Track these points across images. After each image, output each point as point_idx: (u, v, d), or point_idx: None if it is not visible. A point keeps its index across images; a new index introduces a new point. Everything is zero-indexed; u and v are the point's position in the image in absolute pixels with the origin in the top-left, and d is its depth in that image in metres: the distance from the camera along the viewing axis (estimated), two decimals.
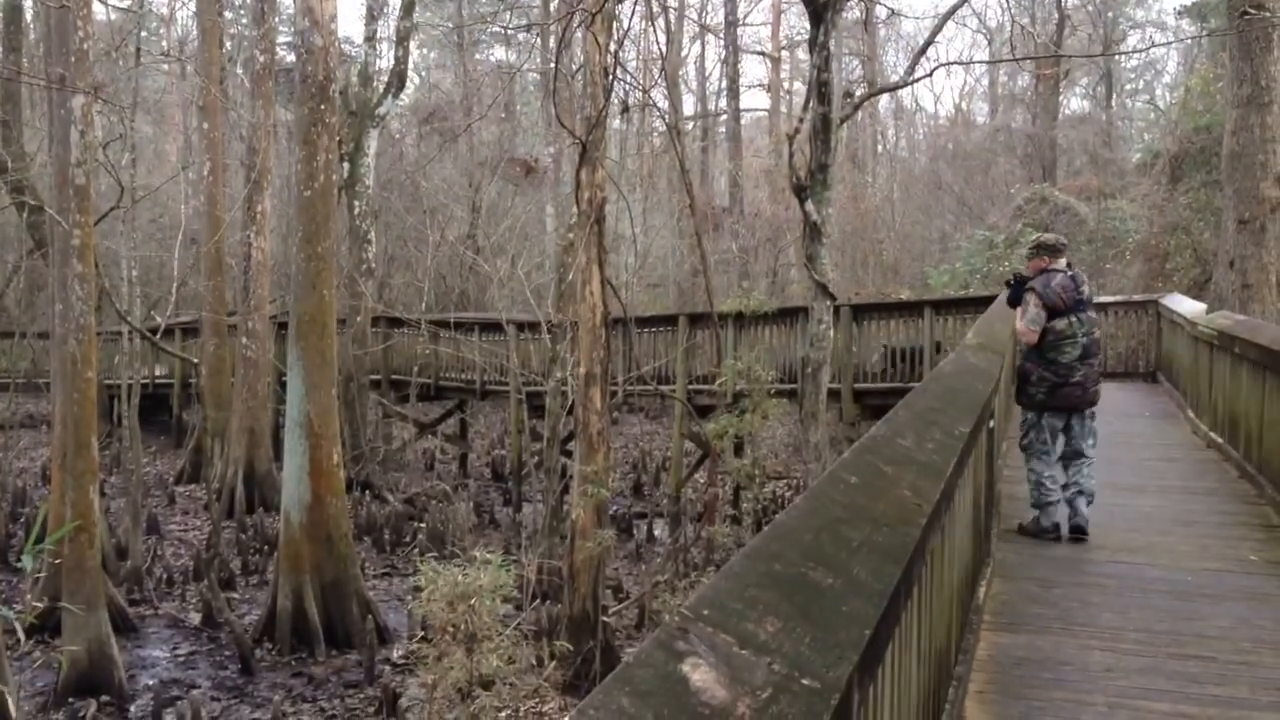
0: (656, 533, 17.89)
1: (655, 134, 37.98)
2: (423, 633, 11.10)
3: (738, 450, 16.76)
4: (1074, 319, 7.13)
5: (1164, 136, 25.80)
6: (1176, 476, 9.21)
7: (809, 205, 9.82)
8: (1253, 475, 8.44)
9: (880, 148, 50.21)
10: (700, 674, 1.47)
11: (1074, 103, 46.16)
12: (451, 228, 26.43)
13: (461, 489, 20.99)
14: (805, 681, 1.56)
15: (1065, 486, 7.22)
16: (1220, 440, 9.87)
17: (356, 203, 20.29)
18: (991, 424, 5.98)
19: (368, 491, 19.96)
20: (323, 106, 13.24)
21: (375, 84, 21.88)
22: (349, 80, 22.40)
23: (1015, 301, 7.40)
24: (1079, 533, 7.07)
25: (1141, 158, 31.06)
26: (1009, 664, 4.88)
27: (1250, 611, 5.62)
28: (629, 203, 18.05)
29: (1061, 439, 7.29)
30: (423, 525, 17.91)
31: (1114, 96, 44.93)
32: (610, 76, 11.25)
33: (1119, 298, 17.55)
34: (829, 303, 10.25)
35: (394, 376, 22.11)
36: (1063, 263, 7.29)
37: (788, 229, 28.59)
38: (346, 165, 20.33)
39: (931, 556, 3.14)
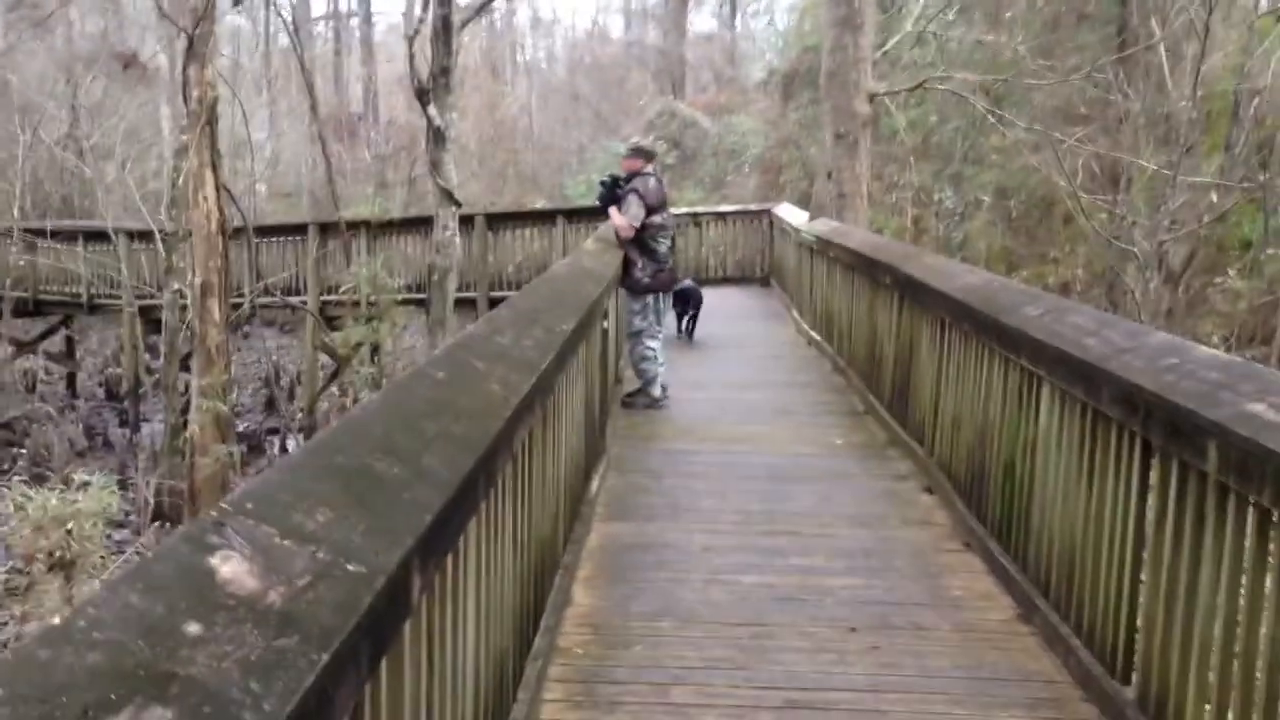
0: (290, 447, 17.35)
1: (281, 33, 35.93)
2: (11, 562, 10.23)
3: (373, 361, 16.48)
4: (666, 215, 8.16)
5: (780, 56, 27.35)
6: (781, 372, 9.95)
7: (431, 110, 9.64)
8: (843, 369, 9.25)
9: (520, 58, 50.15)
10: (231, 566, 1.41)
11: (702, 21, 47.96)
12: (49, 128, 23.90)
13: (69, 411, 19.39)
14: (350, 567, 1.54)
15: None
16: (819, 338, 10.73)
17: None
18: (605, 324, 6.18)
19: None
20: None
21: None
22: None
23: (610, 200, 7.96)
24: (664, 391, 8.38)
25: (762, 76, 32.80)
26: (617, 550, 5.12)
27: (832, 489, 6.18)
28: (243, 104, 16.94)
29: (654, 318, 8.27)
30: (23, 450, 16.43)
31: (738, 17, 46.97)
32: None
33: (737, 207, 18.55)
34: (454, 209, 10.16)
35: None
36: (652, 168, 8.18)
37: (424, 137, 28.04)
38: None
39: (526, 448, 3.20)
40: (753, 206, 18.14)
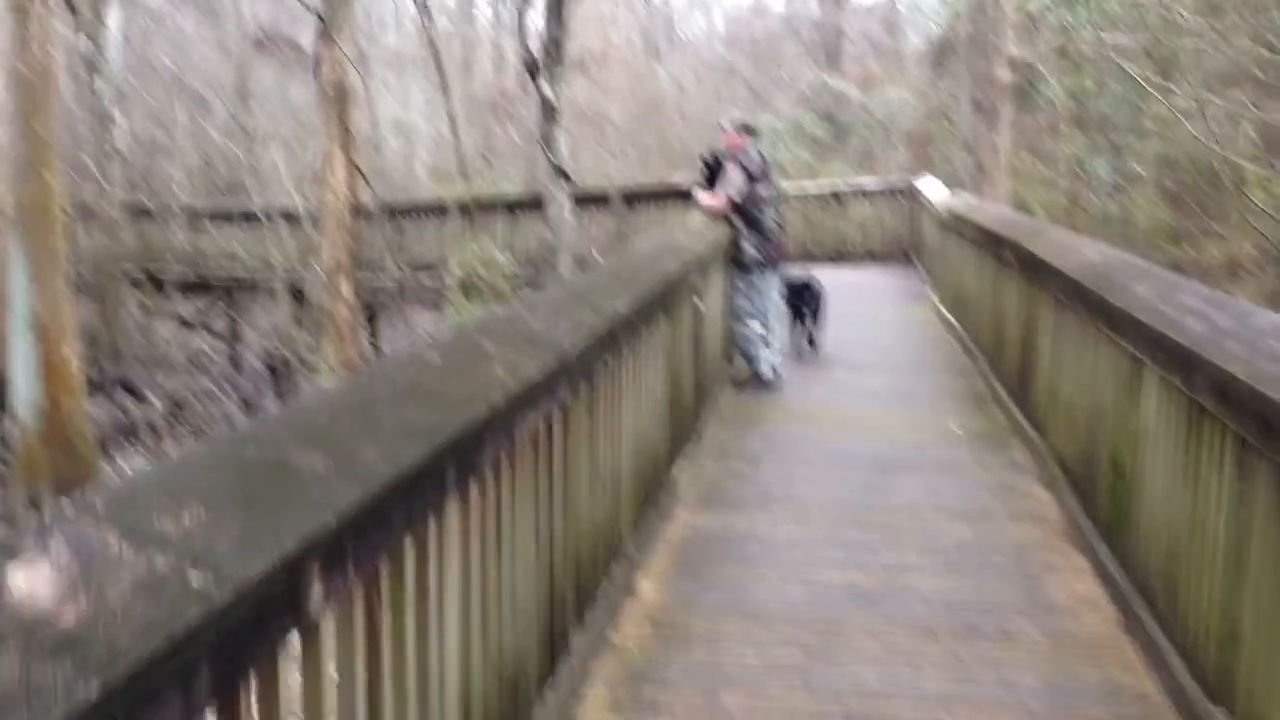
0: None
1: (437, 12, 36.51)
2: None
3: None
4: (769, 185, 7.92)
5: (937, 23, 26.41)
6: (909, 354, 9.53)
7: (542, 83, 9.53)
8: (972, 351, 8.78)
9: (677, 35, 49.83)
10: (29, 575, 1.27)
11: None
12: (216, 113, 24.87)
13: (229, 385, 20.17)
14: (194, 576, 1.38)
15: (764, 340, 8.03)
16: (952, 319, 10.25)
17: (99, 79, 18.79)
18: (699, 301, 5.96)
19: (131, 392, 18.92)
20: None
21: None
22: None
23: (712, 178, 7.72)
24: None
25: (918, 46, 31.81)
26: (698, 541, 4.90)
27: (940, 480, 5.83)
28: (387, 85, 17.13)
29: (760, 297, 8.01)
30: (188, 425, 17.14)
31: None
32: None
33: (880, 182, 17.98)
34: (567, 186, 10.05)
35: (155, 270, 20.80)
36: (752, 144, 7.95)
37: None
38: (83, 38, 18.79)
39: (547, 435, 3.03)
40: (896, 181, 17.54)
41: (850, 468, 6.08)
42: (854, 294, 12.93)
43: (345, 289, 10.84)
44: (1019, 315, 6.77)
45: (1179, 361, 3.40)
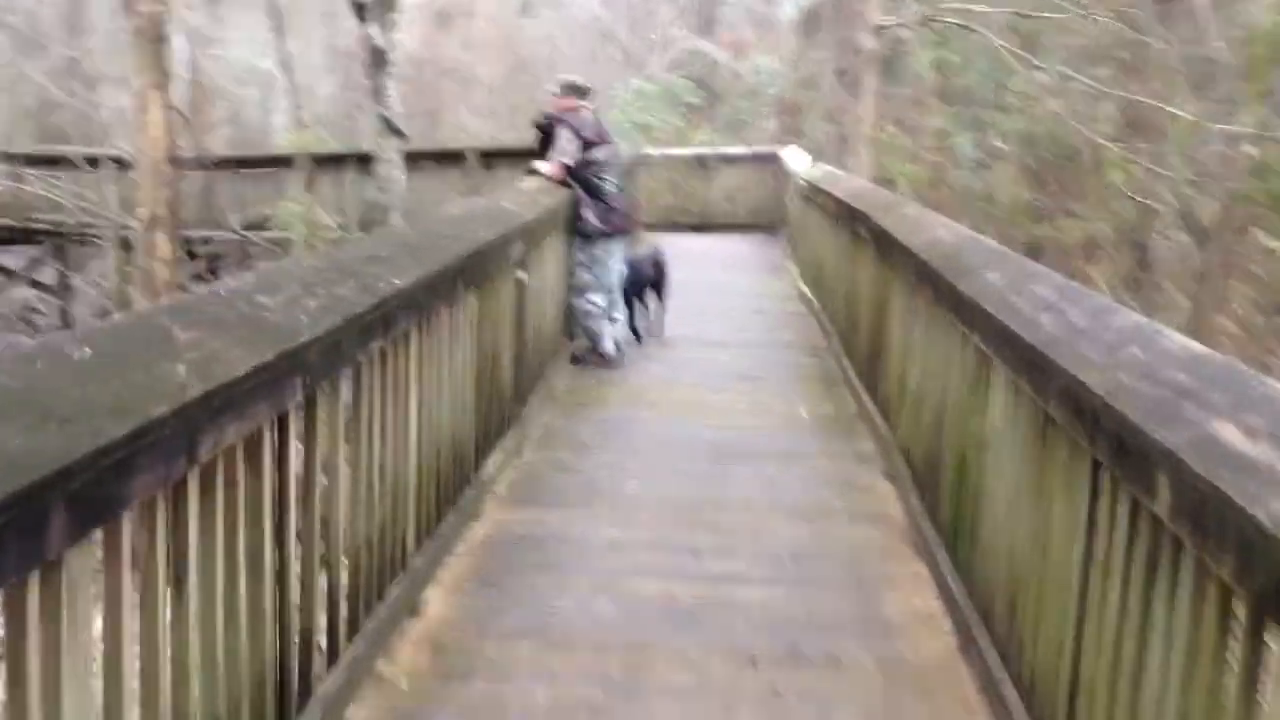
0: None
1: None
2: None
3: None
4: (609, 149, 7.42)
5: None
6: (762, 329, 9.14)
7: (371, 28, 8.79)
8: (827, 329, 8.43)
9: None
10: None
11: None
12: (51, 50, 23.16)
13: None
14: None
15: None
16: (809, 293, 9.90)
17: None
18: (521, 274, 5.40)
19: None
20: None
21: None
22: None
23: (547, 143, 7.14)
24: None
25: (791, 14, 31.54)
26: (504, 545, 4.37)
27: (781, 471, 5.40)
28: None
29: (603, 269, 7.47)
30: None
31: None
32: None
33: (745, 150, 17.61)
34: (399, 141, 9.35)
35: None
36: (586, 103, 7.44)
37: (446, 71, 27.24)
38: None
39: (276, 441, 2.45)
40: (763, 150, 17.18)
41: (687, 457, 5.61)
42: (713, 264, 12.56)
43: (163, 244, 9.95)
44: (871, 295, 6.39)
45: (1028, 363, 2.98)
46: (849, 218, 7.25)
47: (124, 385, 1.89)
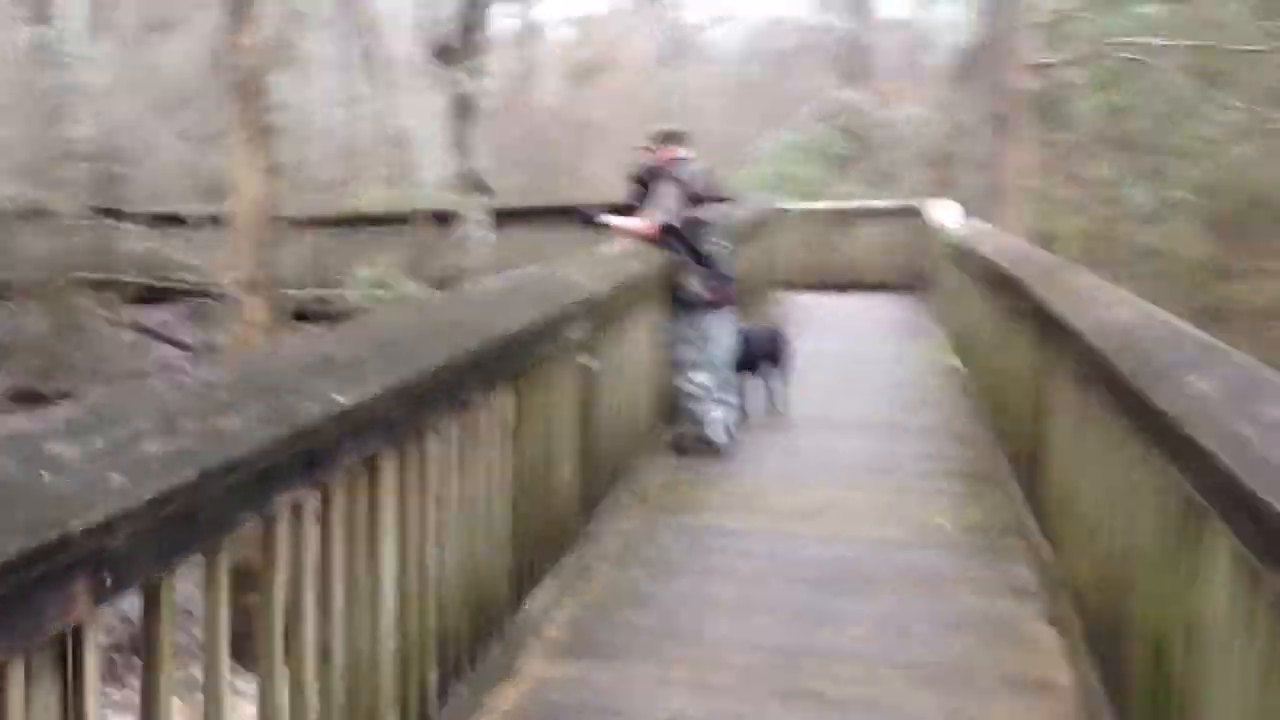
0: None
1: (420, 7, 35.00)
2: None
3: None
4: (718, 208, 6.40)
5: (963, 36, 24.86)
6: (899, 408, 7.96)
7: (456, 72, 8.03)
8: (976, 408, 7.24)
9: (691, 46, 48.28)
10: None
11: (894, 5, 45.07)
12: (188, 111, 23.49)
13: None
14: None
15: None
16: (958, 364, 8.70)
17: (54, 73, 17.56)
18: (589, 361, 4.45)
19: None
20: None
21: None
22: None
23: (642, 197, 6.21)
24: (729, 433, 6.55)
25: (945, 59, 30.23)
26: (536, 715, 3.38)
27: (907, 607, 4.28)
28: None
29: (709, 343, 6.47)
30: None
31: None
32: None
33: (890, 203, 16.44)
34: (485, 198, 8.52)
35: (116, 277, 19.37)
36: (690, 153, 6.41)
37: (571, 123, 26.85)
38: (39, 28, 17.67)
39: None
40: (908, 203, 15.98)
41: (790, 582, 4.54)
42: (849, 328, 11.46)
43: (258, 308, 9.42)
44: (1030, 379, 5.22)
45: (1269, 534, 1.87)
46: (999, 283, 6.10)
47: None
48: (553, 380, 3.97)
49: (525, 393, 3.65)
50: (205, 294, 18.93)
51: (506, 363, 3.37)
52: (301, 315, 12.00)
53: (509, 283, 3.98)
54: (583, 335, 4.21)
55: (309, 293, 11.85)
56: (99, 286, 19.24)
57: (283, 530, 2.18)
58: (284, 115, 25.29)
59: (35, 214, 17.87)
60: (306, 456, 2.16)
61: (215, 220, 16.35)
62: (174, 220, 18.30)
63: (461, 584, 3.18)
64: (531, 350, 3.60)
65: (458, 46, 8.08)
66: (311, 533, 2.29)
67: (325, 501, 2.39)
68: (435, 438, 2.92)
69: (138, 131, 18.39)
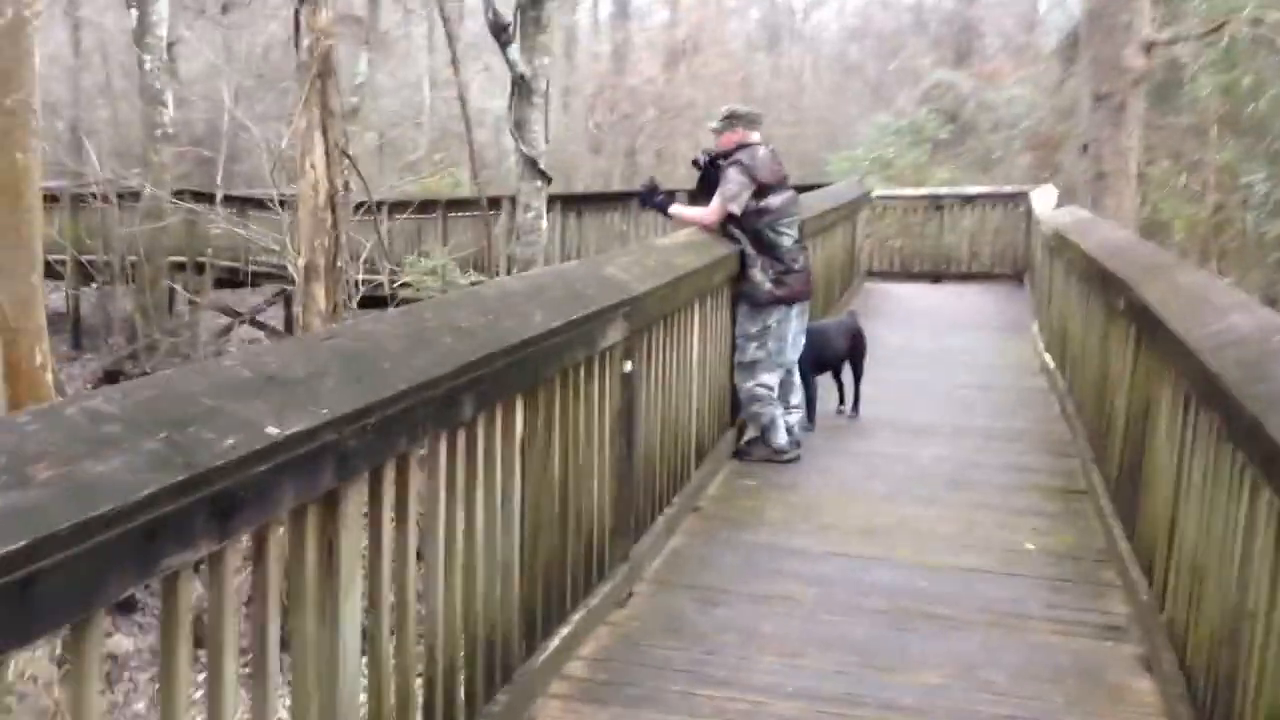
0: None
1: None
2: None
3: None
4: (787, 196, 5.90)
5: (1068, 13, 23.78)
6: (986, 411, 7.38)
7: (513, 53, 7.62)
8: (1071, 417, 6.65)
9: (796, 27, 47.38)
10: None
11: None
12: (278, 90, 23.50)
13: None
14: None
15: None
16: (1052, 364, 8.08)
17: (148, 57, 17.60)
18: (629, 367, 4.03)
19: None
20: None
21: None
22: None
23: (708, 184, 5.71)
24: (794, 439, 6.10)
25: (1054, 39, 29.04)
26: None
27: (983, 649, 3.78)
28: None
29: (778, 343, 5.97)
30: None
31: None
32: None
33: (987, 189, 15.71)
34: (541, 184, 8.10)
35: (202, 260, 19.47)
36: (758, 136, 5.89)
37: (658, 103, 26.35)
38: (134, 12, 17.73)
39: None
40: (1007, 189, 15.23)
41: (851, 614, 4.07)
42: (939, 321, 10.86)
43: (320, 296, 9.14)
44: (1131, 391, 4.66)
45: None
46: (1100, 281, 5.52)
47: None
48: (581, 390, 3.55)
49: (544, 406, 3.25)
50: (285, 278, 19.00)
51: (518, 373, 2.96)
52: (374, 301, 11.82)
53: (536, 279, 3.58)
54: (619, 337, 3.79)
55: (377, 279, 11.61)
56: (189, 269, 19.40)
57: (185, 594, 1.80)
58: (374, 98, 25.33)
59: (128, 196, 18.01)
60: (211, 505, 1.77)
61: (287, 204, 16.36)
62: (258, 204, 18.31)
63: (458, 629, 2.79)
64: (551, 357, 3.19)
65: (510, 24, 7.65)
66: (229, 594, 1.91)
67: (259, 552, 2.01)
68: (418, 465, 2.52)
69: (226, 114, 18.38)
